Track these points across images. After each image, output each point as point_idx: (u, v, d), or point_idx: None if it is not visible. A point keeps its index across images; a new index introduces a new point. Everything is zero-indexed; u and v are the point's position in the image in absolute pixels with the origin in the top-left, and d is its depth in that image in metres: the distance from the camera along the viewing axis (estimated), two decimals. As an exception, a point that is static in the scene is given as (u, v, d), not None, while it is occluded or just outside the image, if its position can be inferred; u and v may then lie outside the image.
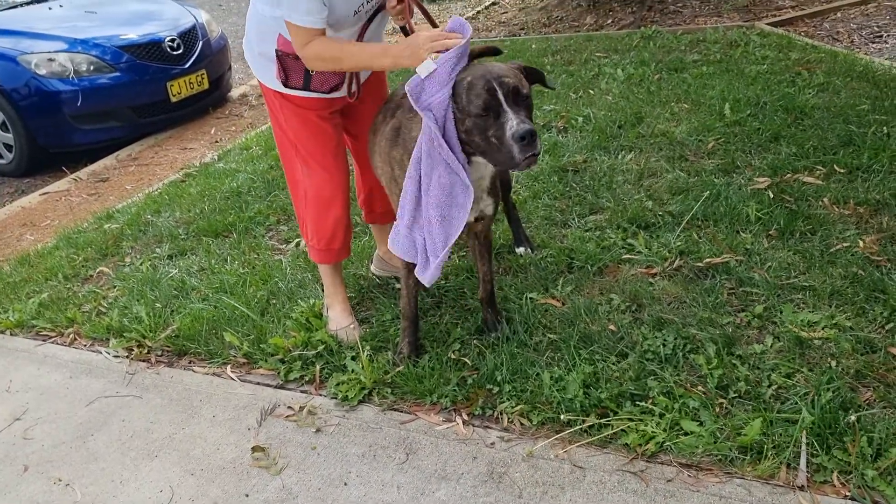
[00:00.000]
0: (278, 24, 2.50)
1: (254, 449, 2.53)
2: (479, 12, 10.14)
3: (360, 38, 2.63)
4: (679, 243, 3.33)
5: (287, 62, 2.60)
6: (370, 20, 2.64)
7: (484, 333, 2.93)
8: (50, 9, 7.18)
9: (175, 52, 6.73)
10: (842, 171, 3.80)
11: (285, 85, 2.67)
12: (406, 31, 2.69)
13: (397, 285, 3.30)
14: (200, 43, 7.05)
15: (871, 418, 2.26)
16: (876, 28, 6.79)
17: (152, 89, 6.60)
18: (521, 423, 2.49)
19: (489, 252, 2.85)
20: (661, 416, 2.37)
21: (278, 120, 2.82)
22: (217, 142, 6.54)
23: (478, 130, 2.27)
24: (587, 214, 3.77)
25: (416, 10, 2.65)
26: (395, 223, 2.54)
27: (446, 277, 3.37)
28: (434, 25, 2.64)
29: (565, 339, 2.78)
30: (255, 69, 2.78)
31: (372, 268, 3.48)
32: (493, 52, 2.59)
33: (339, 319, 3.06)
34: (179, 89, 6.76)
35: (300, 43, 2.45)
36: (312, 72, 2.62)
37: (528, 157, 2.20)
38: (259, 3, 2.61)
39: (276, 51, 2.59)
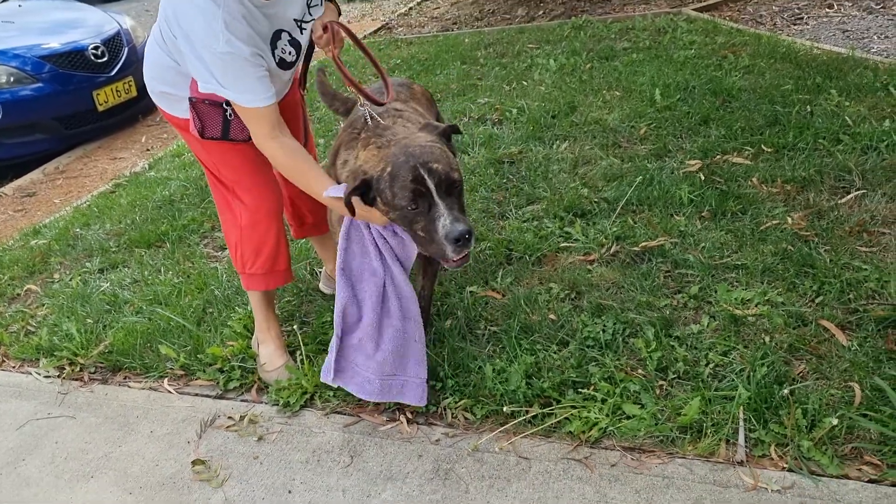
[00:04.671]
0: (194, 67, 2.19)
1: (194, 462, 2.46)
2: (411, 8, 10.11)
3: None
4: (615, 229, 3.35)
5: (202, 109, 2.37)
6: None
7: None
8: (-37, 20, 6.88)
9: (100, 60, 6.52)
10: (769, 150, 3.88)
11: (201, 136, 2.43)
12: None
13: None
14: (126, 49, 6.83)
15: (805, 390, 2.31)
16: (797, 10, 6.97)
17: (78, 99, 6.38)
18: (466, 418, 2.47)
19: (431, 272, 2.72)
20: (604, 401, 2.38)
21: (198, 150, 2.61)
22: (148, 150, 6.37)
23: (406, 223, 2.11)
24: (524, 205, 3.77)
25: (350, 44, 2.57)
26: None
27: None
28: (378, 68, 2.54)
29: (506, 331, 2.78)
30: (162, 104, 2.55)
31: (321, 286, 3.32)
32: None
33: (273, 359, 2.82)
34: (106, 98, 6.55)
35: (264, 133, 2.24)
36: (230, 117, 2.39)
37: (461, 258, 2.08)
38: (166, 55, 2.37)
39: (191, 98, 2.36)
